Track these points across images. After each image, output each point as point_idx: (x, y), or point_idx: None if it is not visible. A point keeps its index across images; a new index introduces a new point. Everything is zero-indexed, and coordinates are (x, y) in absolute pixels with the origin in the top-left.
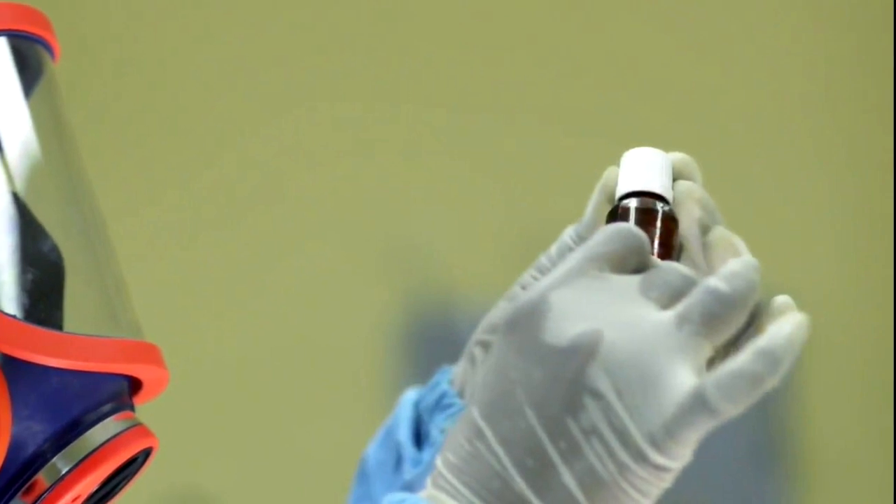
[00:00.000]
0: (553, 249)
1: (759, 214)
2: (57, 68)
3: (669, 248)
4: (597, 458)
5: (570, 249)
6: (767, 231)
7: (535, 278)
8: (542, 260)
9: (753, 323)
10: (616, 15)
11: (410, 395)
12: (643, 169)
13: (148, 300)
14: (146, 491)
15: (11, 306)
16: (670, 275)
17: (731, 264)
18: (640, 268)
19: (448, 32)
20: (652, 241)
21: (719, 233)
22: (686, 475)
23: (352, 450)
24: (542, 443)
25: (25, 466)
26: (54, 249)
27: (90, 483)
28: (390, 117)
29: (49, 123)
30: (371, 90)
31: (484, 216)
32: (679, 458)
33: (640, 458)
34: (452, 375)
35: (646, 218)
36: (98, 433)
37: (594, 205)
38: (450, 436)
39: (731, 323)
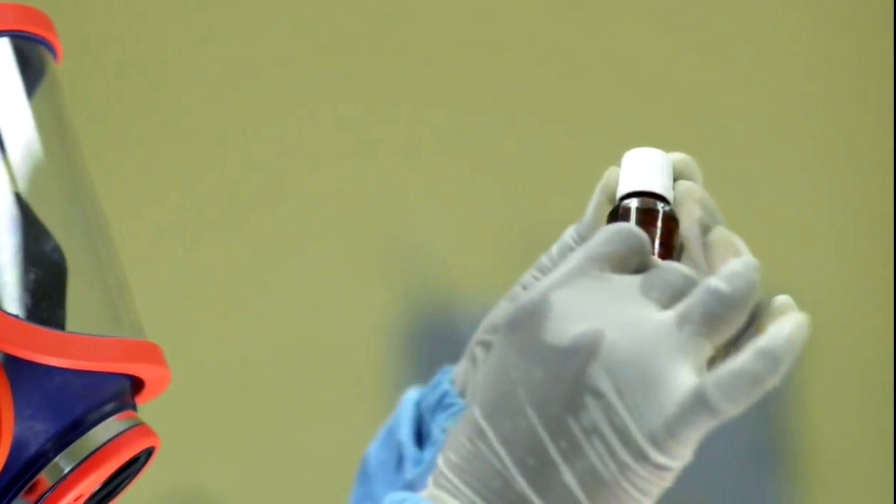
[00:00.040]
0: (554, 249)
1: (759, 214)
2: (59, 69)
3: (670, 248)
4: (598, 458)
5: (571, 249)
6: (767, 231)
7: (536, 278)
8: (543, 260)
9: (754, 323)
10: (616, 15)
11: (412, 394)
12: (644, 169)
13: (150, 300)
14: (148, 490)
15: (14, 306)
16: (671, 275)
17: (732, 264)
18: (640, 268)
19: (449, 33)
20: (653, 241)
21: (720, 233)
22: (687, 474)
23: (353, 449)
24: (543, 442)
25: (28, 466)
26: (57, 249)
27: (92, 482)
28: (391, 118)
29: (51, 124)
30: (372, 91)
31: (485, 216)
32: (680, 457)
33: (641, 457)
34: (454, 375)
35: (646, 218)
36: (100, 433)
37: (595, 205)
38: (451, 435)
39: (732, 323)
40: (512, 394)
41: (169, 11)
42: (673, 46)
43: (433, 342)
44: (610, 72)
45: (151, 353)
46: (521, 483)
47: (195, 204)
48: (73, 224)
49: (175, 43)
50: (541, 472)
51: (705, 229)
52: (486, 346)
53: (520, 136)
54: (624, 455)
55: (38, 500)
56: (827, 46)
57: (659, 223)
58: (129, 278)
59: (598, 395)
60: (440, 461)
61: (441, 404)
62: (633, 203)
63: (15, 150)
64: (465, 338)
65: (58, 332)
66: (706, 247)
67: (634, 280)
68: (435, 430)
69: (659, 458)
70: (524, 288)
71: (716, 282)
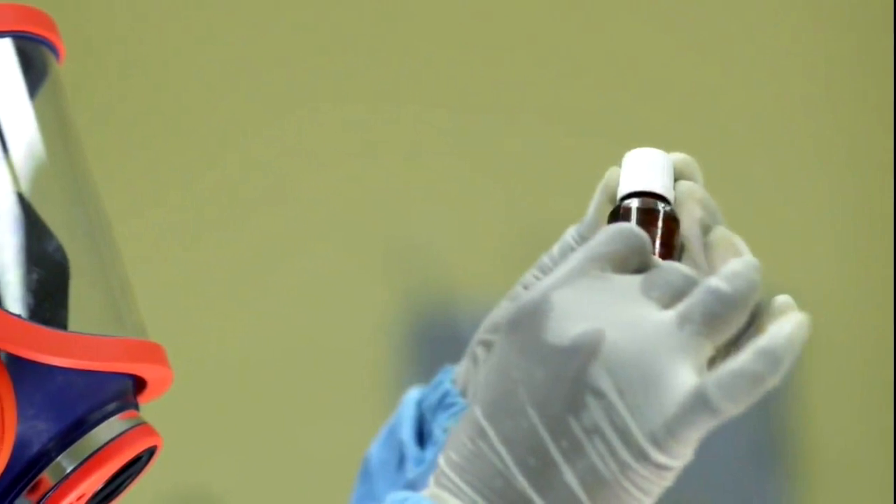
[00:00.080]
0: (555, 249)
1: (759, 214)
2: (62, 69)
3: (671, 248)
4: (598, 457)
5: (572, 249)
6: (768, 231)
7: (538, 278)
8: (545, 260)
9: (754, 322)
10: (617, 16)
11: (413, 394)
12: (645, 169)
13: (152, 300)
14: (150, 490)
15: (16, 306)
16: (671, 275)
17: (732, 264)
18: (641, 268)
19: (450, 34)
20: (653, 241)
21: (720, 233)
22: (687, 474)
23: (355, 449)
24: (544, 442)
25: (30, 465)
26: (59, 249)
27: (95, 481)
28: (392, 118)
29: (54, 124)
30: (373, 91)
31: (486, 216)
32: (680, 456)
33: (642, 456)
34: (455, 375)
35: (647, 218)
36: (103, 432)
37: (596, 205)
38: (452, 435)
39: (732, 322)
40: (513, 393)
41: (171, 12)
42: (673, 47)
43: (434, 342)
44: (611, 72)
45: (153, 353)
46: (522, 482)
47: (197, 204)
48: (76, 224)
49: (177, 44)
50: (542, 471)
51: (706, 229)
52: (488, 345)
53: (521, 136)
54: (625, 454)
55: (41, 500)
56: (827, 47)
57: (660, 223)
58: (131, 278)
59: (599, 394)
60: (441, 460)
61: (442, 404)
62: (634, 203)
63: (17, 151)
64: (466, 337)
65: (60, 332)
66: (707, 247)
67: (635, 280)
68: (436, 429)
69: (660, 458)
70: (525, 288)
71: (716, 282)
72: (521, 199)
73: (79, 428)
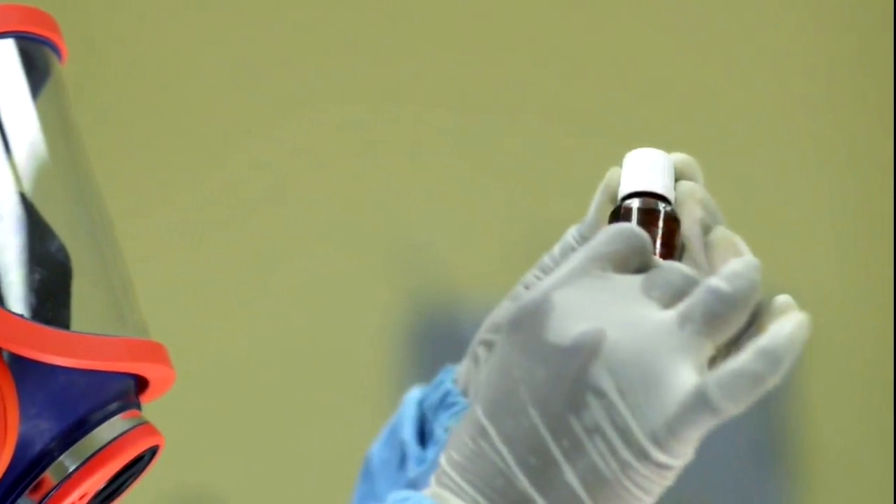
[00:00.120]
0: (556, 249)
1: (760, 214)
2: (64, 70)
3: (671, 248)
4: (599, 456)
5: (573, 249)
6: (768, 231)
7: (539, 278)
8: (546, 260)
9: (755, 322)
10: (618, 16)
11: (414, 393)
12: (645, 169)
13: (154, 300)
14: (152, 489)
15: (19, 306)
16: (672, 274)
17: (733, 264)
18: (642, 267)
19: (452, 35)
20: (654, 241)
21: (721, 233)
22: (688, 473)
23: (356, 448)
24: (545, 441)
25: (33, 465)
26: (61, 249)
27: (97, 481)
28: (395, 119)
29: (56, 124)
30: (376, 92)
31: (487, 216)
32: (681, 456)
33: (643, 456)
34: (456, 374)
35: (648, 218)
36: (105, 431)
37: (597, 205)
38: (453, 434)
39: (733, 322)
40: (514, 393)
41: (173, 13)
42: (674, 47)
43: (436, 341)
44: (611, 73)
45: (156, 353)
46: (524, 482)
47: (199, 204)
48: (78, 224)
49: (179, 44)
50: (543, 470)
51: (706, 229)
52: (489, 345)
53: (522, 136)
54: (625, 454)
55: (43, 499)
56: (827, 47)
57: (660, 223)
58: (133, 278)
59: (600, 394)
60: (443, 460)
61: (444, 403)
62: (635, 203)
63: (20, 151)
64: (467, 337)
65: (62, 332)
66: (707, 247)
67: (636, 280)
68: (437, 428)
69: (660, 457)
70: (526, 287)
71: (717, 281)
72: (522, 199)
73: (81, 427)
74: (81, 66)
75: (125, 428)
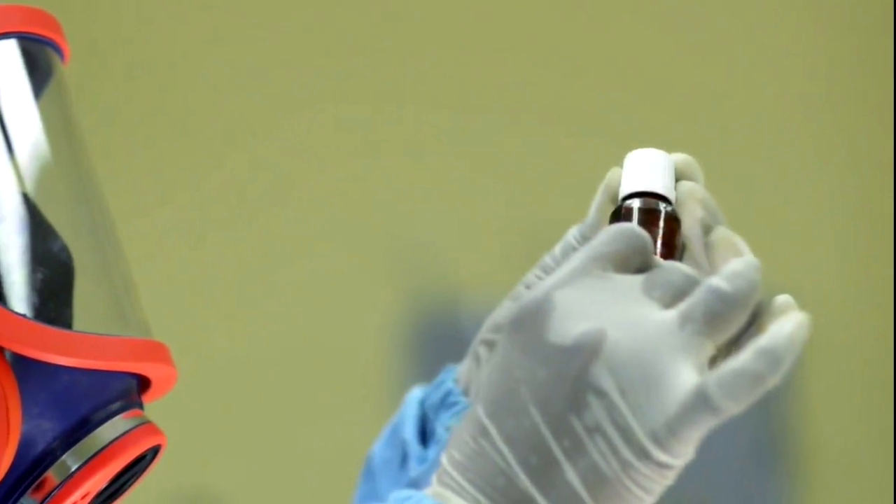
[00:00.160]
0: (557, 249)
1: (760, 214)
2: (67, 70)
3: (672, 248)
4: (600, 456)
5: (574, 249)
6: (768, 231)
7: (540, 278)
8: (547, 260)
9: (755, 322)
10: (618, 16)
11: (416, 393)
12: (646, 170)
13: (156, 299)
14: (154, 489)
15: (22, 305)
16: (673, 274)
17: (733, 264)
18: (643, 267)
19: (453, 35)
20: (655, 241)
21: (721, 233)
22: (688, 472)
23: (358, 447)
24: (546, 440)
25: (35, 464)
26: (64, 249)
27: (99, 480)
28: (396, 119)
29: (59, 125)
30: (377, 92)
31: (488, 216)
32: (681, 455)
33: (643, 455)
34: (457, 374)
35: (649, 218)
36: (107, 431)
37: (597, 205)
38: (455, 433)
39: (733, 322)
40: (515, 392)
41: (176, 13)
42: (674, 47)
43: (437, 341)
44: (612, 73)
45: (158, 352)
46: (525, 481)
47: (201, 204)
48: (81, 224)
49: (182, 45)
50: (544, 469)
51: (707, 229)
52: (490, 345)
53: (523, 136)
54: (626, 453)
55: (46, 498)
56: (827, 47)
57: (661, 223)
58: (135, 278)
59: (601, 393)
60: (444, 459)
61: (445, 403)
62: (636, 203)
63: (22, 151)
64: (468, 337)
65: (65, 332)
66: (708, 247)
67: (637, 280)
68: (439, 428)
69: (661, 457)
70: (527, 287)
71: (717, 281)
72: (523, 199)
73: (83, 427)
74: (84, 67)
75: (127, 427)
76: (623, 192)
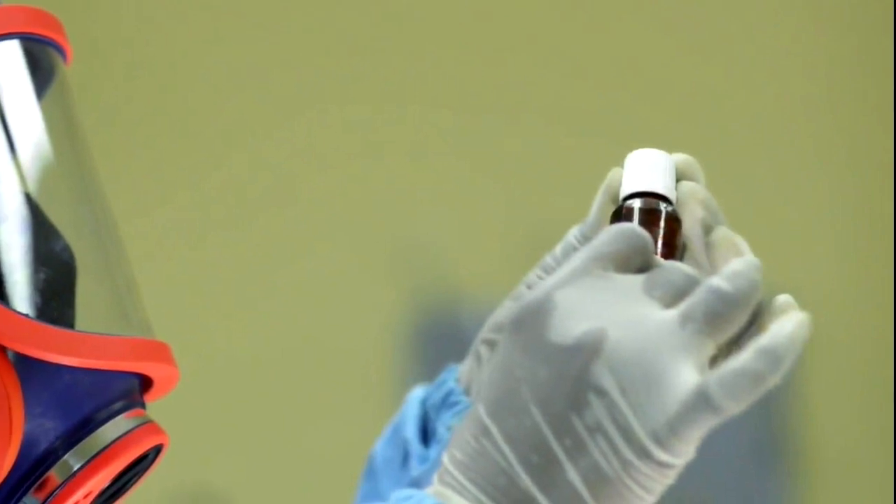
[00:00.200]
0: (558, 249)
1: (760, 214)
2: (69, 71)
3: (673, 248)
4: (601, 455)
5: (575, 249)
6: (769, 231)
7: (541, 278)
8: (548, 260)
9: (755, 322)
10: (619, 17)
11: (417, 392)
12: (647, 170)
13: (158, 299)
14: (157, 488)
15: (24, 305)
16: (673, 274)
17: (734, 264)
18: (643, 267)
19: (454, 35)
20: (655, 241)
21: (722, 233)
22: (689, 472)
23: (360, 447)
24: (547, 440)
25: (38, 463)
26: (66, 249)
27: (101, 480)
28: (397, 119)
29: (61, 125)
30: (378, 92)
31: (490, 217)
32: (682, 454)
33: (644, 454)
34: (459, 373)
35: (649, 218)
36: (109, 430)
37: (598, 205)
38: (456, 433)
39: (734, 321)
40: (516, 392)
41: (177, 14)
42: (675, 48)
43: (439, 341)
44: (613, 73)
45: (160, 352)
46: (526, 480)
47: (203, 204)
48: (83, 224)
49: (183, 45)
50: (545, 469)
51: (707, 229)
52: (491, 344)
53: (524, 137)
54: (627, 452)
55: (48, 498)
56: (827, 47)
57: (662, 223)
58: (137, 277)
59: (602, 393)
60: (445, 458)
61: (446, 402)
62: (637, 203)
63: (25, 151)
64: (470, 336)
65: (67, 331)
66: (708, 246)
67: (637, 279)
68: (440, 427)
69: (662, 456)
70: (528, 287)
71: (718, 281)
72: (524, 199)
73: (86, 426)
74: (86, 67)
75: (129, 427)
76: (624, 192)
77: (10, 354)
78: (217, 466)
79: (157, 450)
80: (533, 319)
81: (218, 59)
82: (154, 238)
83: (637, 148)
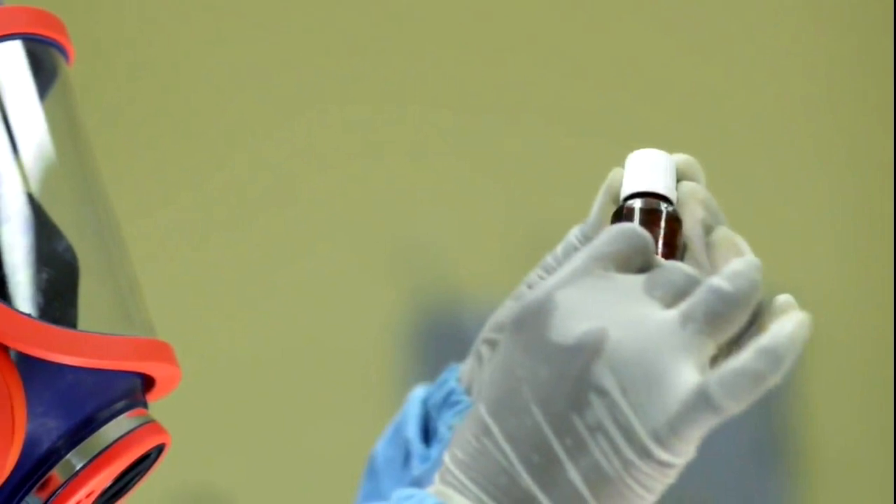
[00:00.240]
0: (559, 249)
1: (760, 214)
2: (71, 71)
3: (673, 248)
4: (602, 455)
5: (576, 249)
6: (769, 231)
7: (542, 277)
8: (548, 260)
9: (756, 321)
10: (619, 17)
11: (419, 392)
12: (647, 170)
13: (160, 299)
14: (159, 487)
15: (27, 305)
16: (674, 274)
17: (734, 264)
18: (644, 267)
19: (454, 36)
20: (656, 241)
21: (722, 233)
22: (689, 471)
23: (361, 447)
24: (548, 439)
25: (40, 463)
26: (69, 249)
27: (104, 479)
28: (398, 119)
29: (64, 125)
30: (379, 93)
31: (490, 217)
32: (683, 454)
33: (645, 454)
34: (460, 373)
35: (650, 218)
36: (111, 430)
37: (599, 205)
38: (457, 432)
39: (734, 321)
40: (517, 391)
41: (179, 15)
42: (675, 48)
43: (440, 340)
44: (613, 73)
45: (162, 352)
46: (527, 480)
47: (205, 204)
48: (85, 224)
49: (185, 46)
50: (546, 468)
51: (708, 229)
52: (492, 344)
53: (524, 137)
54: (628, 452)
55: (50, 497)
56: (827, 47)
57: (662, 223)
58: (139, 277)
59: (603, 392)
60: (446, 458)
61: (447, 402)
62: (637, 203)
63: (27, 152)
64: (471, 336)
65: (70, 331)
66: (709, 247)
67: (638, 279)
68: (441, 427)
69: (662, 455)
70: (529, 287)
71: (718, 281)
72: (525, 199)
73: (88, 426)
74: (88, 68)
75: (132, 426)
76: (624, 192)
77: (12, 354)
78: (219, 466)
79: (160, 449)
80: (534, 319)
81: (219, 59)
82: (156, 238)
83: (638, 148)
